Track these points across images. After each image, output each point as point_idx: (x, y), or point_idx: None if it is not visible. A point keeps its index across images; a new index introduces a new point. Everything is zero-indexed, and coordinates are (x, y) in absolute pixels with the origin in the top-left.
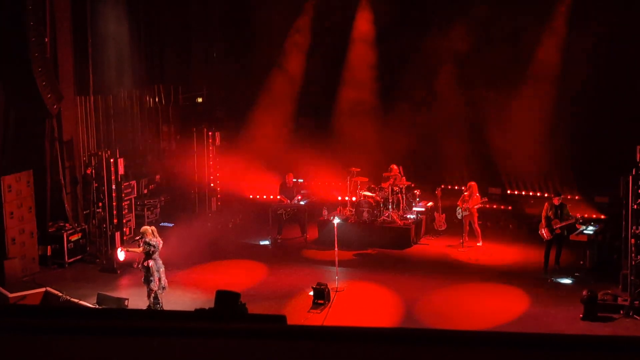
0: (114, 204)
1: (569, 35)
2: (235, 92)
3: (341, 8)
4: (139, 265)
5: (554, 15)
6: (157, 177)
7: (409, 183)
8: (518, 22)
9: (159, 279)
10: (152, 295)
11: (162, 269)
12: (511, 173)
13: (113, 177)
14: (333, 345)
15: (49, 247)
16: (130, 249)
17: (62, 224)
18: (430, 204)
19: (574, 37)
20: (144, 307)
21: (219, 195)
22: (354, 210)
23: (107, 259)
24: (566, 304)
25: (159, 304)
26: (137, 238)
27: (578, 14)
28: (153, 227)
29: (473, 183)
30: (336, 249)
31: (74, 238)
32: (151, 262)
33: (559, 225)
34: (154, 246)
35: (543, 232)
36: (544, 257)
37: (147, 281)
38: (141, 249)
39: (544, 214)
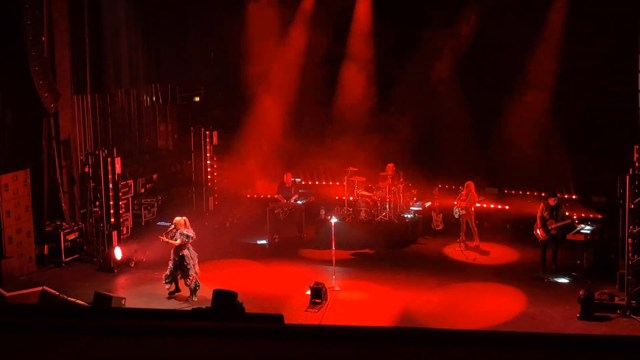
0: (111, 203)
1: (567, 34)
2: (232, 91)
3: (340, 4)
4: (174, 256)
5: (551, 17)
6: (155, 176)
7: (407, 182)
8: (518, 22)
9: (194, 265)
10: (194, 280)
11: (195, 256)
12: (508, 173)
13: (110, 176)
14: (330, 345)
15: (46, 246)
16: (169, 241)
17: (59, 223)
18: (427, 203)
19: (573, 37)
20: (187, 295)
21: (216, 195)
22: (351, 209)
23: (104, 258)
24: (563, 304)
25: (198, 286)
26: (170, 229)
27: (575, 16)
28: (185, 218)
29: (470, 182)
30: (333, 248)
31: (71, 237)
32: (186, 252)
33: (554, 226)
34: (191, 237)
35: (538, 232)
36: (541, 257)
37: (186, 269)
38: (179, 241)
39: (539, 214)
